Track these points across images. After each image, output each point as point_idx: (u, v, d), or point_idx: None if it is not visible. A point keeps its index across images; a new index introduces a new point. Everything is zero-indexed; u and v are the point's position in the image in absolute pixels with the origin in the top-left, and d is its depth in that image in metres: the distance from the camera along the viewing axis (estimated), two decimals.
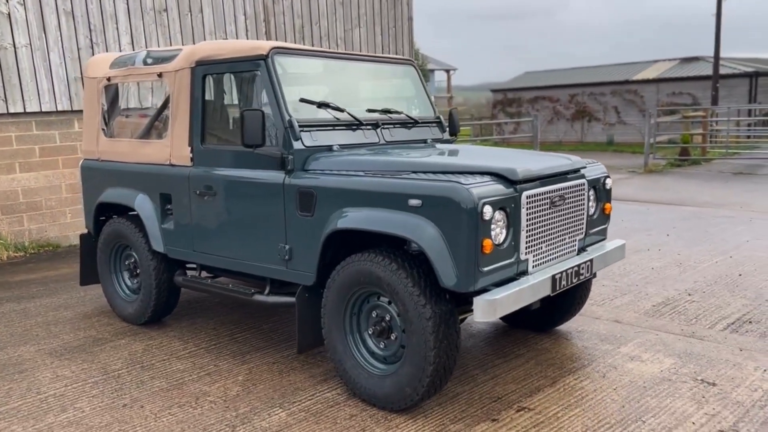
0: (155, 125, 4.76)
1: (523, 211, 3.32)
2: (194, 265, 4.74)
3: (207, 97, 4.29)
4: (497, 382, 3.74)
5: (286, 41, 9.96)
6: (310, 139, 3.83)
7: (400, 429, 3.23)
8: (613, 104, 24.09)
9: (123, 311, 4.97)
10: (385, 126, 4.31)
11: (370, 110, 4.31)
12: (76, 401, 3.64)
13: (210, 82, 4.28)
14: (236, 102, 4.40)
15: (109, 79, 4.93)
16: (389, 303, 3.40)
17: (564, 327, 4.61)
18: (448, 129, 4.91)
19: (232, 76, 4.26)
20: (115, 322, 5.00)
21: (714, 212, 9.44)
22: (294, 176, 3.74)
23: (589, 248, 3.99)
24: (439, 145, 4.46)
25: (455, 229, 3.07)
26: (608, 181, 4.14)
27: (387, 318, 3.42)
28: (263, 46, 3.91)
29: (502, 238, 3.24)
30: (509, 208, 3.25)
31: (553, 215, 3.58)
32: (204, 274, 4.66)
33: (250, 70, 3.98)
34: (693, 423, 3.22)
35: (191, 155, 4.32)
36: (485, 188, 3.13)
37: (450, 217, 3.08)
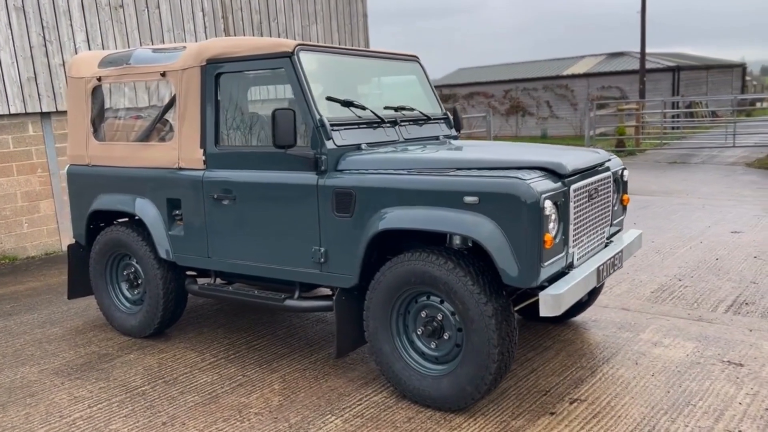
0: (157, 127, 4.53)
1: (571, 205, 3.36)
2: (194, 272, 4.55)
3: (220, 97, 4.11)
4: (538, 376, 3.77)
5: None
6: (340, 138, 3.74)
7: (463, 429, 3.21)
8: (546, 99, 24.84)
9: (124, 324, 4.70)
10: (402, 123, 4.26)
11: (387, 107, 4.25)
12: (109, 422, 3.41)
13: (224, 81, 4.10)
14: (255, 101, 4.24)
15: (99, 79, 4.64)
16: (441, 302, 3.36)
17: (579, 317, 4.70)
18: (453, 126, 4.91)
19: (251, 75, 4.09)
20: (114, 336, 4.73)
21: (667, 200, 9.88)
22: (328, 177, 3.63)
23: (613, 239, 4.09)
24: (457, 142, 4.45)
25: (517, 224, 3.06)
26: (626, 173, 4.24)
27: (439, 317, 3.38)
28: (287, 43, 3.78)
29: (554, 232, 3.26)
30: (560, 202, 3.27)
31: (590, 208, 3.64)
32: (218, 281, 4.47)
33: (273, 68, 3.84)
34: (740, 404, 3.35)
35: (204, 158, 4.13)
36: (542, 183, 3.14)
37: (511, 213, 3.07)
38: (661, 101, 18.35)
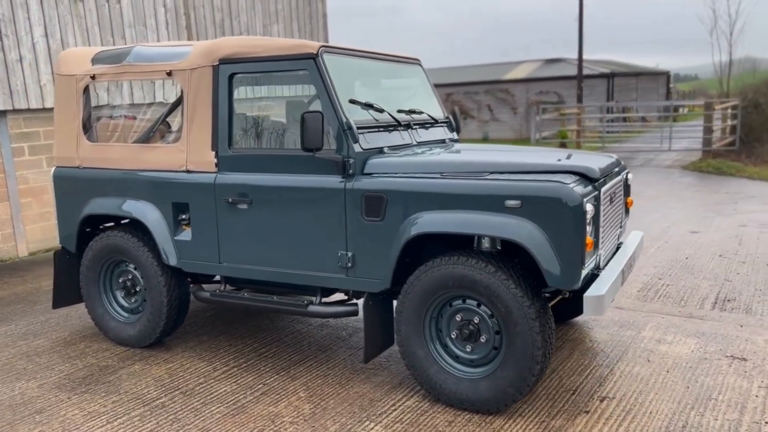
0: (159, 128, 4.35)
1: (601, 208, 3.45)
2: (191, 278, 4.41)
3: (235, 98, 3.99)
4: (561, 375, 3.85)
5: (207, 36, 9.45)
6: (365, 141, 3.71)
7: (505, 431, 3.24)
8: (487, 102, 25.37)
9: (120, 334, 4.48)
10: (413, 126, 4.27)
11: (400, 111, 4.25)
12: None
13: (239, 81, 3.98)
14: (271, 102, 4.14)
15: (93, 77, 4.42)
16: (478, 305, 3.38)
17: (579, 317, 4.83)
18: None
19: (269, 76, 3.99)
20: (110, 347, 4.51)
21: None
22: (356, 180, 3.59)
23: (622, 241, 4.22)
24: (463, 145, 4.48)
25: (561, 228, 3.12)
26: (630, 176, 4.39)
27: (475, 321, 3.39)
28: (311, 44, 3.72)
29: (591, 235, 3.34)
30: (593, 205, 3.35)
31: (611, 211, 3.75)
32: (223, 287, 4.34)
33: (296, 69, 3.77)
34: (756, 396, 3.53)
35: (215, 161, 4.00)
36: (581, 187, 3.22)
37: (555, 216, 3.12)
38: (598, 106, 19.06)
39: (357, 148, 3.62)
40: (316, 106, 4.54)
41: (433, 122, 4.56)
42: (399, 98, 4.57)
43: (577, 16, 20.59)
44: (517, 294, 3.18)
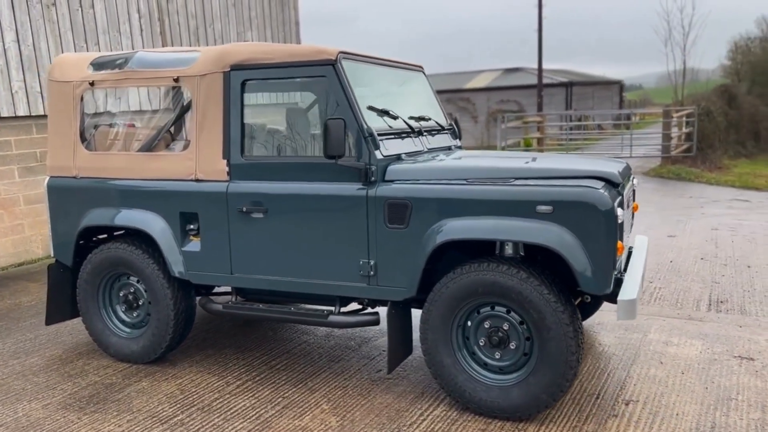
0: (164, 136, 4.22)
1: (620, 212, 3.49)
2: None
3: (247, 105, 3.90)
4: (581, 380, 3.87)
5: (181, 42, 9.26)
6: (385, 148, 3.67)
7: None
8: (449, 111, 25.56)
9: (122, 350, 4.31)
10: (423, 133, 4.26)
11: (411, 117, 4.23)
12: None
13: (252, 88, 3.89)
14: (285, 109, 4.05)
15: (92, 84, 4.26)
16: (507, 312, 3.37)
17: (586, 321, 4.88)
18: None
19: (284, 82, 3.91)
20: (110, 363, 4.33)
21: None
22: (378, 187, 3.55)
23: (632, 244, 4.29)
24: (468, 152, 4.49)
25: (594, 233, 3.14)
26: (635, 181, 4.47)
27: (504, 327, 3.38)
28: (329, 50, 3.66)
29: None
30: (621, 209, 3.39)
31: (627, 215, 3.80)
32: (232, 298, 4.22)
33: (313, 75, 3.71)
34: None
35: (227, 169, 3.90)
36: (609, 192, 3.25)
37: (587, 222, 3.14)
38: (558, 114, 19.45)
39: (378, 155, 3.58)
40: (314, 112, 4.49)
41: (440, 129, 4.56)
42: (407, 105, 4.54)
43: (536, 28, 21.03)
44: (550, 299, 3.19)
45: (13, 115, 7.26)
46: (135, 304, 4.32)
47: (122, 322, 4.39)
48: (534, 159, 3.90)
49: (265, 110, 4.03)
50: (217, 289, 4.62)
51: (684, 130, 17.71)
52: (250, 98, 3.92)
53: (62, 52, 7.71)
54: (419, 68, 4.87)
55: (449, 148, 4.56)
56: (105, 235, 4.67)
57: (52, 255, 4.54)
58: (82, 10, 7.93)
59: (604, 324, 4.84)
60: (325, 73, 3.66)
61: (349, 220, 3.62)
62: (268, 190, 3.79)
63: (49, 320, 4.58)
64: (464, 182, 3.45)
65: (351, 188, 3.60)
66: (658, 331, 4.66)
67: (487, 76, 26.70)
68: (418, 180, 3.54)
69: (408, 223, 3.50)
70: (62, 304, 4.58)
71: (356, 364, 4.20)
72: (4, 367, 4.37)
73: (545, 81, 23.74)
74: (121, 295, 4.37)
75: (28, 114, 7.41)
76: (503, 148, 16.84)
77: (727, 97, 23.76)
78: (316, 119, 4.28)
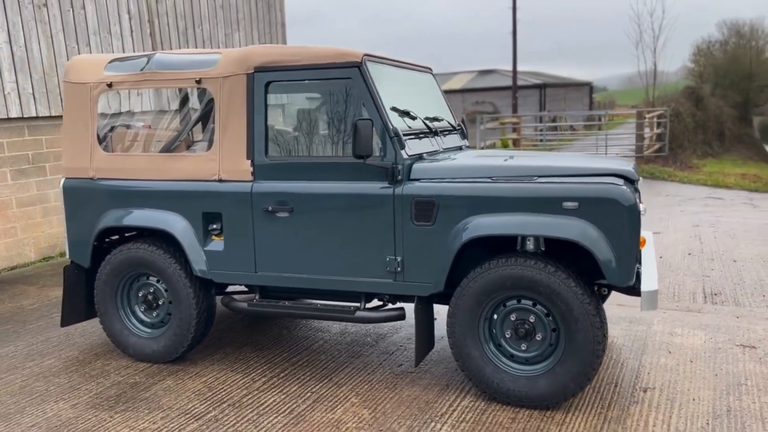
0: (185, 137, 4.26)
1: (642, 207, 3.65)
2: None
3: (271, 106, 3.97)
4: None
5: (171, 43, 9.23)
6: (409, 148, 3.78)
7: (568, 424, 3.37)
8: None
9: (142, 350, 4.33)
10: (439, 133, 4.37)
11: (427, 118, 4.34)
12: None
13: (276, 89, 3.96)
14: (309, 110, 4.12)
15: (110, 85, 4.27)
16: (534, 305, 3.50)
17: None
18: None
19: (308, 83, 3.98)
20: (129, 363, 4.35)
21: None
22: (405, 186, 3.65)
23: None
24: (487, 151, 4.62)
25: (618, 227, 3.29)
26: (641, 180, 4.65)
27: (530, 320, 3.52)
28: (354, 53, 3.76)
29: None
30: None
31: None
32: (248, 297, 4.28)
33: (339, 77, 3.79)
34: None
35: (251, 169, 3.96)
36: (630, 188, 3.40)
37: (612, 217, 3.29)
38: (533, 116, 19.79)
39: (404, 154, 3.69)
40: (323, 112, 4.57)
41: (452, 129, 4.68)
42: (421, 106, 4.65)
43: (511, 31, 21.34)
44: (577, 291, 3.33)
45: (6, 116, 7.17)
46: (155, 304, 4.35)
47: (141, 322, 4.41)
48: (550, 157, 4.05)
49: (289, 111, 4.09)
50: (229, 288, 4.67)
51: (656, 130, 18.19)
52: (273, 99, 3.99)
53: (54, 53, 7.65)
54: (428, 70, 4.99)
55: (460, 148, 4.68)
56: (116, 237, 4.68)
57: (68, 256, 4.53)
58: (73, 11, 7.87)
59: (609, 317, 5.01)
60: (350, 75, 3.75)
61: (375, 218, 3.72)
62: (294, 190, 3.86)
63: (65, 322, 4.57)
64: (489, 180, 3.57)
65: (377, 187, 3.70)
66: (661, 323, 4.85)
67: (462, 78, 26.99)
68: (444, 178, 3.66)
69: (435, 220, 3.61)
70: (77, 305, 4.58)
71: (376, 360, 4.30)
72: (21, 369, 4.36)
73: (520, 83, 24.12)
74: (140, 295, 4.39)
75: (21, 116, 7.33)
76: (482, 149, 17.06)
77: (695, 98, 24.46)
78: (340, 120, 4.36)
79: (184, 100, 4.71)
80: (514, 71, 22.31)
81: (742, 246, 7.48)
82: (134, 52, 8.53)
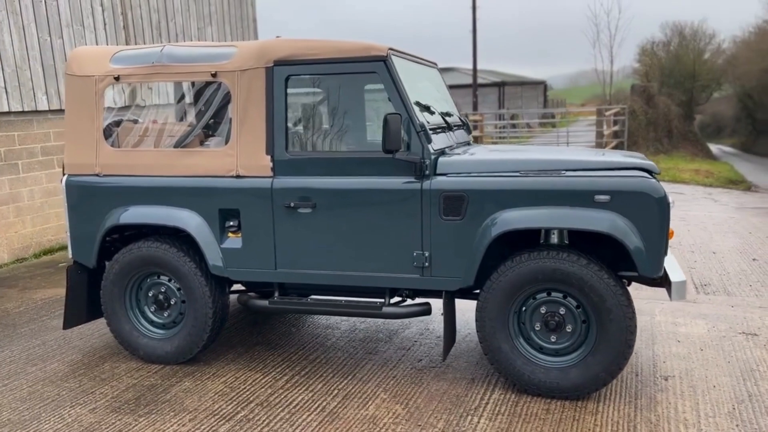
0: (199, 132, 4.15)
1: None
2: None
3: (291, 100, 3.90)
4: None
5: (144, 37, 8.97)
6: (435, 142, 3.78)
7: (601, 413, 3.43)
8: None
9: (154, 351, 4.19)
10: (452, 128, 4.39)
11: (443, 113, 4.35)
12: None
13: (296, 83, 3.90)
14: (331, 105, 4.07)
15: (117, 78, 4.13)
16: (564, 297, 3.55)
17: None
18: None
19: (329, 77, 3.92)
20: (139, 365, 4.21)
21: None
22: (433, 180, 3.65)
23: None
24: (501, 146, 4.66)
25: (648, 219, 3.36)
26: None
27: (561, 312, 3.56)
28: (379, 47, 3.73)
29: None
30: None
31: None
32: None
33: (363, 72, 3.76)
34: None
35: (271, 164, 3.89)
36: (658, 181, 3.49)
37: (643, 209, 3.36)
38: (493, 114, 20.05)
39: (431, 148, 3.68)
40: (324, 106, 4.53)
41: (461, 124, 4.71)
42: (435, 100, 4.66)
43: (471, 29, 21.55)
44: (610, 283, 3.39)
45: None
46: (166, 304, 4.23)
47: (151, 322, 4.28)
48: (566, 152, 4.11)
49: (309, 105, 4.02)
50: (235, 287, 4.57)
51: (613, 128, 18.68)
52: (293, 93, 3.93)
53: (25, 46, 7.33)
54: (434, 64, 4.99)
55: (468, 143, 4.71)
56: (117, 236, 4.52)
57: (71, 256, 4.36)
58: (45, 3, 7.56)
59: None
60: (375, 69, 3.72)
61: (402, 213, 3.70)
62: (317, 185, 3.81)
63: (68, 324, 4.40)
64: (518, 174, 3.60)
65: (404, 181, 3.68)
66: (662, 314, 4.99)
67: None
68: (472, 173, 3.67)
69: (464, 214, 3.62)
70: (80, 306, 4.41)
71: (394, 355, 4.28)
72: (24, 374, 4.17)
73: (481, 81, 24.39)
74: (150, 295, 4.26)
75: None
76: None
77: (646, 96, 25.21)
78: (364, 114, 4.33)
79: (197, 95, 4.58)
80: (474, 69, 22.55)
81: (717, 238, 7.76)
82: (107, 45, 8.25)
